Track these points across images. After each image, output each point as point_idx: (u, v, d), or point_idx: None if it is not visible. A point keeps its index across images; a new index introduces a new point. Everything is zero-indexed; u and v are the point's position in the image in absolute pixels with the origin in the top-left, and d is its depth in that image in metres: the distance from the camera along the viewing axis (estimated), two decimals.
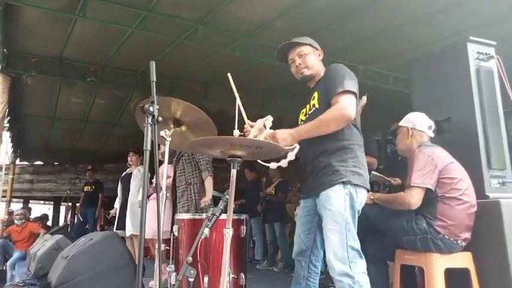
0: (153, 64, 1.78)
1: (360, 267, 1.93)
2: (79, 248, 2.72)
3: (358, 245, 1.95)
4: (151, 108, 1.72)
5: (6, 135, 7.42)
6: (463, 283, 2.36)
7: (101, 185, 8.49)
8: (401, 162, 4.55)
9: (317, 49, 2.28)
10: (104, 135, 9.10)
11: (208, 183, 3.63)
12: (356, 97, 2.04)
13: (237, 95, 2.02)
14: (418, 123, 2.62)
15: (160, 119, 1.74)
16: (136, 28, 4.47)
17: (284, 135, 1.98)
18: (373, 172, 4.39)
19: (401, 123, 2.71)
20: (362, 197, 2.03)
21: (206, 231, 1.99)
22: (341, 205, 1.95)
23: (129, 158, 5.44)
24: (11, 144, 8.25)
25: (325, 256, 2.03)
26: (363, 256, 1.96)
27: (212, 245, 2.31)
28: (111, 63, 5.66)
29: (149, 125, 1.71)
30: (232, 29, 4.56)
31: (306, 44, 2.23)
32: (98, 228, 8.61)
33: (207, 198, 3.56)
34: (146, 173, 1.67)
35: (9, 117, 6.83)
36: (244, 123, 2.10)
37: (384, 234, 2.56)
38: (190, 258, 1.93)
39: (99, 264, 2.64)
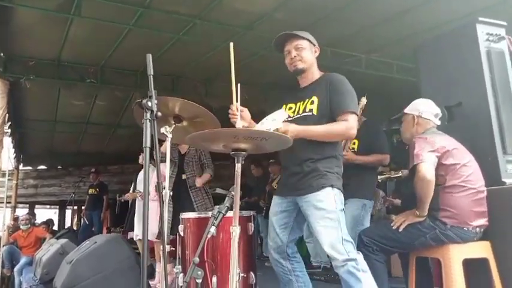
0: (149, 57, 1.70)
1: (354, 253, 2.09)
2: (83, 252, 2.65)
3: (350, 237, 2.12)
4: (149, 103, 1.64)
5: (8, 141, 7.37)
6: (483, 274, 2.27)
7: (105, 187, 8.45)
8: (408, 151, 4.45)
9: (314, 45, 2.32)
10: (107, 136, 9.04)
11: (205, 177, 3.82)
12: None
13: (233, 69, 1.97)
14: (424, 110, 2.52)
15: (159, 113, 1.66)
16: (133, 26, 4.38)
17: (294, 132, 2.06)
18: (379, 177, 4.31)
19: (407, 110, 2.61)
20: (343, 200, 2.22)
21: (212, 229, 1.91)
22: (332, 204, 2.10)
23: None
24: (13, 150, 8.17)
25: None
26: (354, 245, 2.14)
27: (219, 244, 2.24)
28: (110, 63, 5.58)
29: (148, 120, 1.63)
30: (231, 22, 4.46)
31: (305, 38, 2.27)
32: (105, 230, 8.57)
33: (199, 180, 3.76)
34: (148, 171, 1.59)
35: (9, 123, 6.80)
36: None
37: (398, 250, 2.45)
38: (197, 259, 1.85)
39: (104, 268, 2.57)
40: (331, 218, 2.07)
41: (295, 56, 2.24)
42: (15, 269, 6.70)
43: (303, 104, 2.26)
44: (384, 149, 3.40)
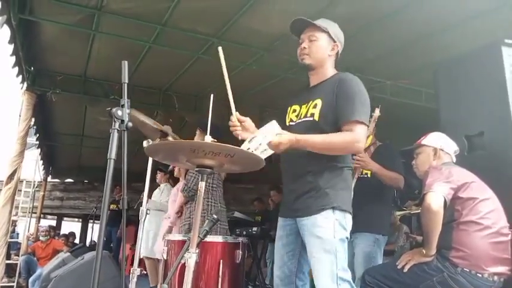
0: (125, 64, 1.61)
1: None
2: (68, 268, 2.55)
3: (348, 276, 1.81)
4: (119, 112, 1.54)
5: (36, 153, 7.60)
6: None
7: (127, 203, 8.46)
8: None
9: (334, 41, 2.03)
10: (132, 154, 9.15)
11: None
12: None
13: (226, 75, 1.87)
14: (446, 144, 2.36)
15: (130, 124, 1.56)
16: (153, 43, 4.41)
17: (287, 143, 1.75)
18: (398, 212, 3.98)
19: (426, 142, 2.41)
20: (350, 223, 1.90)
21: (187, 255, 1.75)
22: (330, 232, 1.79)
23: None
24: (41, 162, 8.41)
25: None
26: (354, 286, 1.84)
27: (196, 270, 2.06)
28: (133, 81, 5.64)
29: (116, 131, 1.53)
30: (249, 42, 4.39)
31: (323, 31, 1.99)
32: (128, 247, 8.53)
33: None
34: (109, 184, 1.48)
35: (38, 135, 7.02)
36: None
37: None
38: (165, 286, 1.69)
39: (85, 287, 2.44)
40: (326, 250, 1.77)
41: (304, 48, 1.98)
42: (30, 280, 6.75)
43: (306, 107, 1.97)
44: (401, 170, 3.09)
